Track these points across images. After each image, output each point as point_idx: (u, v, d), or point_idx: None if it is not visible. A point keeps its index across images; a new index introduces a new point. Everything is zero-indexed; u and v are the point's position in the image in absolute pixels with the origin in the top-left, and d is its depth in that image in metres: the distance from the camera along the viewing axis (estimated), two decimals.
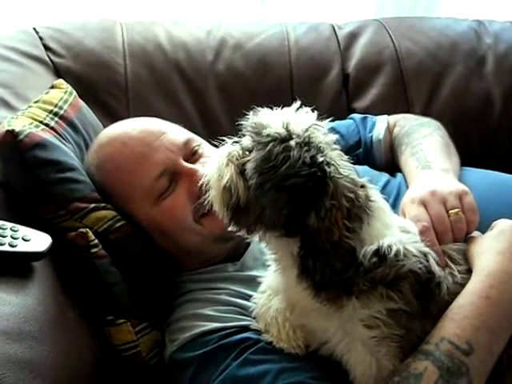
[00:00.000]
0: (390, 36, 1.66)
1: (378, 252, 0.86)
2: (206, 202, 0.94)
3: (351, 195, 0.86)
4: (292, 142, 0.85)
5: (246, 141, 0.90)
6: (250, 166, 0.87)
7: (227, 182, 0.89)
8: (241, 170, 0.89)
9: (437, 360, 0.86)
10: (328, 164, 0.85)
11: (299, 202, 0.85)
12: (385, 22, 1.71)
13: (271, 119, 0.88)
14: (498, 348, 0.89)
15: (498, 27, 1.73)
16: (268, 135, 0.86)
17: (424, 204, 1.01)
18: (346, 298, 0.87)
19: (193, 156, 1.15)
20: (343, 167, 0.88)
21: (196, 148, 1.17)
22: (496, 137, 1.62)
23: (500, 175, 1.27)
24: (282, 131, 0.86)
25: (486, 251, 0.95)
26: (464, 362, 0.86)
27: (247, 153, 0.89)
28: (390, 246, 0.87)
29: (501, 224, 0.99)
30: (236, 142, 0.92)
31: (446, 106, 1.60)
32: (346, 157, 0.91)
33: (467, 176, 1.19)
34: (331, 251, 0.85)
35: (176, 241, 1.13)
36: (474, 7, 2.00)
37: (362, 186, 0.89)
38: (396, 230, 0.91)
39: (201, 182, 0.95)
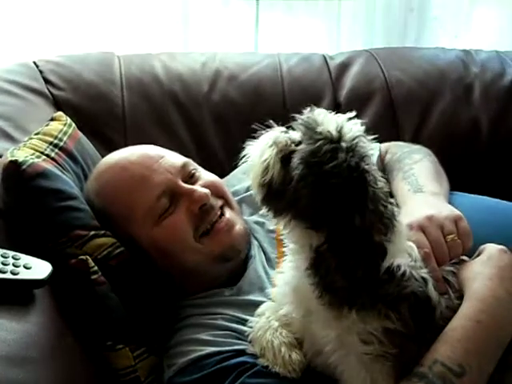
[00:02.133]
0: (380, 66, 1.70)
1: (388, 269, 0.89)
2: None
3: (384, 204, 0.89)
4: (343, 144, 0.88)
5: (296, 134, 0.93)
6: (297, 157, 0.90)
7: (266, 160, 0.92)
8: (283, 156, 0.92)
9: (430, 382, 0.88)
10: (368, 173, 0.88)
11: (335, 200, 0.87)
12: (375, 53, 1.75)
13: (326, 119, 0.91)
14: (489, 370, 0.91)
15: (485, 56, 1.77)
16: (321, 133, 0.89)
17: (422, 229, 1.03)
18: (347, 309, 0.90)
19: (190, 179, 1.19)
20: (379, 180, 0.91)
21: (193, 171, 1.20)
22: (484, 162, 1.65)
23: (488, 200, 1.30)
24: (335, 133, 0.89)
25: (477, 277, 0.97)
26: None
27: (293, 145, 0.92)
28: (399, 266, 0.90)
29: (489, 249, 1.01)
30: (285, 132, 0.95)
31: (435, 132, 1.64)
32: (381, 173, 0.94)
33: (457, 200, 1.21)
34: (365, 250, 0.88)
35: (177, 260, 1.14)
36: (462, 37, 2.06)
37: (391, 204, 0.92)
38: (405, 254, 0.94)
39: (242, 162, 0.98)
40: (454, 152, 1.62)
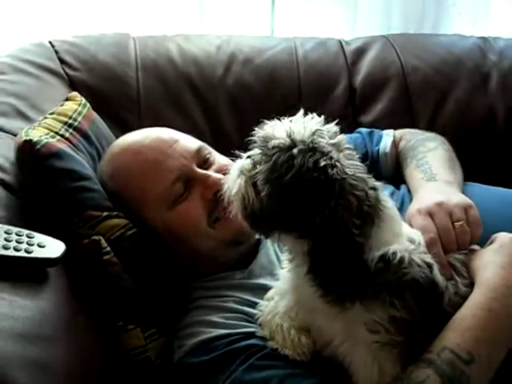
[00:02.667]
0: (396, 52, 1.69)
1: (383, 257, 0.89)
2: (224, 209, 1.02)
3: (360, 193, 0.88)
4: (295, 150, 0.87)
5: (257, 154, 0.94)
6: (259, 179, 0.90)
7: (236, 194, 0.94)
8: (252, 182, 0.93)
9: (438, 368, 0.88)
10: (332, 166, 0.87)
11: (308, 205, 0.87)
12: (391, 38, 1.74)
13: (276, 130, 0.91)
14: (498, 359, 0.91)
15: (503, 44, 1.75)
16: (273, 147, 0.89)
17: (430, 215, 1.03)
18: (349, 303, 0.90)
19: (205, 163, 1.19)
20: (351, 166, 0.90)
21: (208, 156, 1.20)
22: (499, 152, 1.63)
23: (499, 190, 1.29)
24: (287, 140, 0.89)
25: (488, 265, 0.97)
26: (464, 372, 0.88)
27: (257, 166, 0.92)
28: (394, 253, 0.89)
29: (501, 238, 1.01)
30: (249, 157, 0.96)
31: (450, 120, 1.62)
32: (357, 156, 0.93)
33: (470, 190, 1.21)
34: (339, 248, 0.88)
35: (190, 245, 1.15)
36: (480, 25, 2.03)
37: (373, 188, 0.91)
38: (404, 240, 0.93)
39: (222, 194, 0.99)
40: (469, 140, 1.60)
